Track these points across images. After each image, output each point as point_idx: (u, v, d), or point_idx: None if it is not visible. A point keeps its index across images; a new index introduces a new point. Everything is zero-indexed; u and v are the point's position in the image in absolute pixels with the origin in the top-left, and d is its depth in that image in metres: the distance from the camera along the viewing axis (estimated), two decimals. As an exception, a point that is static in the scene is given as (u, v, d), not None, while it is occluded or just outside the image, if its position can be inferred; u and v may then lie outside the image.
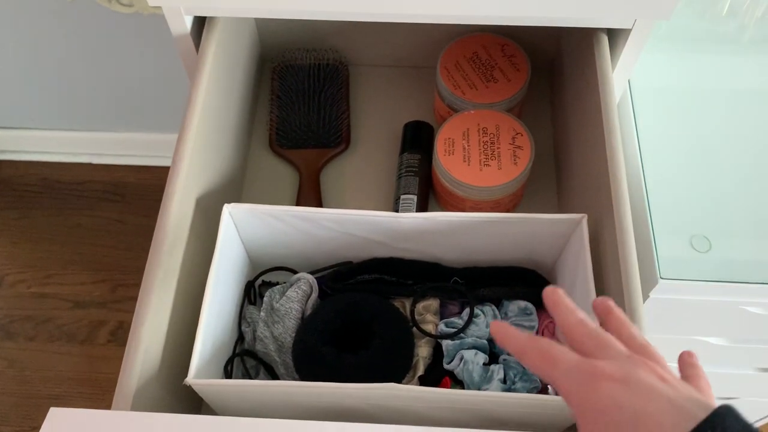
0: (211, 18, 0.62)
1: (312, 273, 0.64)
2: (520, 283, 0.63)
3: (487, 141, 0.68)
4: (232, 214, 0.59)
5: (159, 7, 0.59)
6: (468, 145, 0.68)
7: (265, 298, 0.63)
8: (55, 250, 1.50)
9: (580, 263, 0.56)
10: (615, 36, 0.63)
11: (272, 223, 0.60)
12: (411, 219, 0.58)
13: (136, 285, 1.46)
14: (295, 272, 0.66)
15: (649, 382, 0.33)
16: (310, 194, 0.73)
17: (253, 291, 0.65)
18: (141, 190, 1.57)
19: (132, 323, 0.52)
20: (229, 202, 0.69)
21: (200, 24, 0.64)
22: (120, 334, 1.42)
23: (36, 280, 1.47)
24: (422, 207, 0.70)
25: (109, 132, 1.52)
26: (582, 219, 0.57)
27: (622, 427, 0.31)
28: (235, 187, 0.72)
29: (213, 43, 0.61)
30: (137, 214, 1.54)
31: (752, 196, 0.71)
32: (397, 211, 0.70)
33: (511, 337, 0.38)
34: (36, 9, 1.21)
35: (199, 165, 0.59)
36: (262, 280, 0.66)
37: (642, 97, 0.77)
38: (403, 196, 0.70)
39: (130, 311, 1.41)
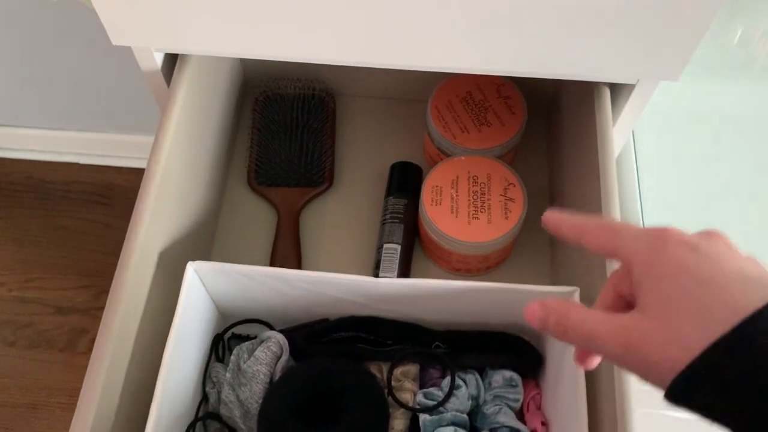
0: (183, 55, 0.58)
1: (285, 330, 0.60)
2: (506, 350, 0.59)
3: (477, 191, 0.64)
4: (197, 271, 0.55)
5: None
6: (457, 195, 0.64)
7: (232, 357, 0.59)
8: (38, 252, 1.46)
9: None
10: (618, 89, 0.58)
11: (242, 280, 0.56)
12: (391, 285, 0.54)
13: (120, 292, 1.43)
14: (267, 325, 0.62)
15: (720, 251, 0.31)
16: (288, 236, 0.69)
17: (222, 344, 0.62)
18: (129, 193, 1.52)
19: (81, 389, 0.48)
20: (201, 243, 0.66)
21: (173, 58, 0.60)
22: (101, 343, 1.38)
23: (17, 283, 1.43)
24: (406, 257, 0.66)
25: (98, 132, 1.48)
26: (574, 292, 0.52)
27: (690, 291, 0.30)
28: (209, 227, 0.68)
29: (184, 82, 0.57)
30: (125, 218, 1.48)
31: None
32: (378, 260, 0.66)
33: (565, 222, 0.37)
34: (21, 8, 1.16)
35: (164, 214, 0.55)
36: (232, 333, 0.62)
37: (645, 123, 0.73)
38: (386, 245, 0.66)
39: (113, 319, 1.39)
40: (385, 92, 0.77)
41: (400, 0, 0.48)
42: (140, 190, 0.53)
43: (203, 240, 0.66)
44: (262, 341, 0.59)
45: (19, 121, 1.47)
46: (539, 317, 0.35)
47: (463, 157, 0.66)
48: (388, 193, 0.69)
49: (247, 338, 0.62)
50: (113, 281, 0.51)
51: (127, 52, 1.25)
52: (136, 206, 0.52)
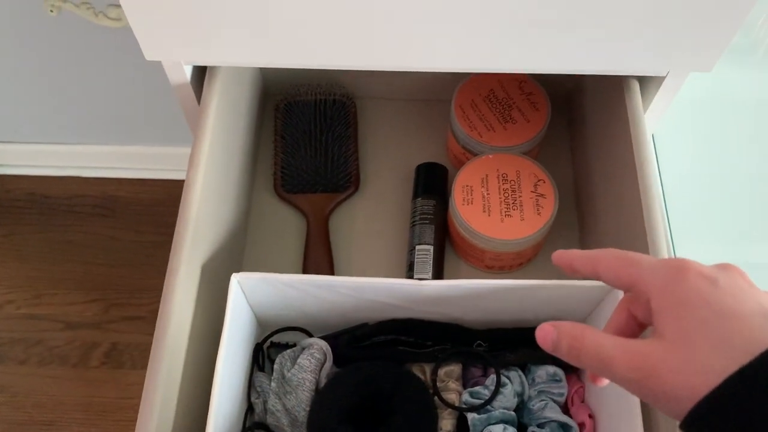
0: (213, 67, 0.58)
1: (325, 337, 0.60)
2: (547, 346, 0.59)
3: (507, 189, 0.64)
4: (240, 283, 0.55)
5: None
6: (488, 194, 0.64)
7: (275, 366, 0.59)
8: (45, 268, 1.45)
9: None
10: (647, 81, 0.59)
11: (283, 289, 0.56)
12: (434, 287, 0.54)
13: (130, 304, 1.42)
14: (306, 333, 0.62)
15: (740, 284, 0.31)
16: (318, 242, 0.69)
17: (261, 354, 0.62)
18: (134, 204, 1.52)
19: (140, 406, 0.48)
20: (233, 254, 0.66)
21: (201, 70, 0.60)
22: (114, 356, 1.38)
23: (25, 300, 1.42)
24: (439, 257, 0.66)
25: (99, 145, 1.47)
26: (613, 290, 0.53)
27: (710, 321, 0.30)
28: (240, 236, 0.68)
29: (215, 94, 0.57)
30: (130, 230, 1.49)
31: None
32: (412, 262, 0.66)
33: (576, 257, 0.38)
34: (23, 22, 1.16)
35: (204, 229, 0.55)
36: (271, 342, 0.62)
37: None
38: (418, 247, 0.66)
39: (124, 332, 1.38)
40: (404, 94, 0.77)
41: (421, 3, 0.48)
42: (182, 204, 0.53)
43: (235, 249, 0.66)
44: (303, 348, 0.59)
45: (18, 136, 1.46)
46: (552, 340, 0.36)
47: (490, 156, 0.66)
48: (416, 194, 0.70)
49: (286, 346, 0.62)
50: (162, 297, 0.51)
51: (126, 63, 1.25)
52: (179, 219, 0.52)
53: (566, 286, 0.54)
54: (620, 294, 0.52)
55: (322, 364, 0.58)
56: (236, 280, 0.54)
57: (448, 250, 0.69)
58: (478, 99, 0.69)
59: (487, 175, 0.65)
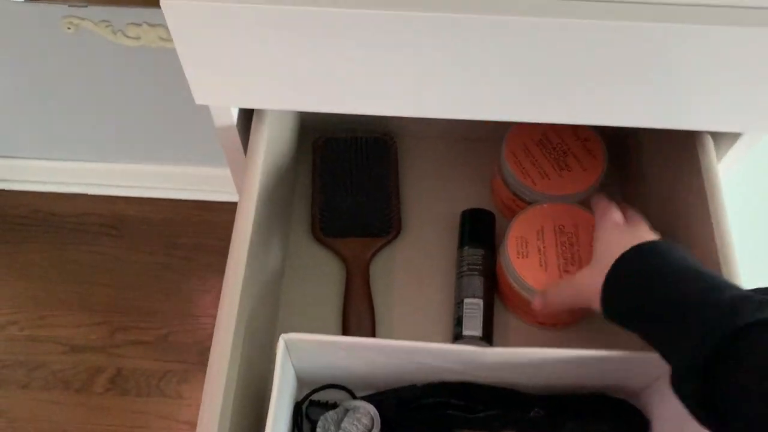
0: (260, 111, 0.54)
1: (368, 397, 0.56)
2: (609, 415, 0.56)
3: (565, 242, 0.61)
4: (287, 343, 0.51)
5: (166, 40, 0.50)
6: (544, 247, 0.60)
7: (318, 430, 0.55)
8: (49, 288, 1.41)
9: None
10: (719, 136, 0.56)
11: (332, 350, 0.52)
12: (497, 354, 0.50)
13: (137, 328, 1.38)
14: (349, 392, 0.58)
15: (640, 228, 0.55)
16: (359, 291, 0.65)
17: (299, 414, 0.58)
18: (142, 224, 1.47)
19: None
20: (270, 301, 0.62)
21: (246, 112, 0.56)
22: (119, 382, 1.33)
23: (29, 321, 1.38)
24: (488, 312, 0.63)
25: (108, 163, 1.43)
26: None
27: (609, 248, 0.52)
28: (276, 283, 0.64)
29: (263, 140, 0.53)
30: (138, 251, 1.45)
31: None
32: (460, 316, 0.62)
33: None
34: (33, 37, 1.12)
35: (249, 281, 0.51)
36: (310, 400, 0.59)
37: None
38: (467, 300, 0.63)
39: (130, 356, 1.34)
40: (446, 132, 0.74)
41: (466, 55, 0.45)
42: (230, 257, 0.49)
43: (273, 295, 0.62)
44: (347, 410, 0.55)
45: (25, 152, 1.43)
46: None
47: (545, 205, 0.63)
48: (462, 242, 0.66)
49: (325, 405, 0.58)
50: (211, 353, 0.47)
51: (139, 82, 1.22)
52: (228, 275, 0.48)
53: (630, 358, 0.51)
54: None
55: (369, 430, 0.54)
56: (284, 341, 0.50)
57: (496, 302, 0.65)
58: (531, 143, 0.66)
59: (543, 227, 0.61)
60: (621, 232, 0.53)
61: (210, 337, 0.47)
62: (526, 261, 0.60)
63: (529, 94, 0.49)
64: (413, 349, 0.51)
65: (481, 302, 0.62)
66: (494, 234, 0.67)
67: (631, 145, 0.70)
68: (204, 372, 0.45)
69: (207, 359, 0.46)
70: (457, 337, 0.62)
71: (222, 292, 0.48)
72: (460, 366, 0.53)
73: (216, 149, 1.34)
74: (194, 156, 1.40)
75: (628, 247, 0.49)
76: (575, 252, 0.60)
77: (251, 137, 0.53)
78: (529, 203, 0.64)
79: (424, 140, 0.74)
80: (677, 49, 0.44)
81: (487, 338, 0.62)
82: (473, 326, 0.61)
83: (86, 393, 1.32)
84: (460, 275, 0.65)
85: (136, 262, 1.43)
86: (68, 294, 1.40)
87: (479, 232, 0.66)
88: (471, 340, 0.61)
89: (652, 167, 0.65)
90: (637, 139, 0.69)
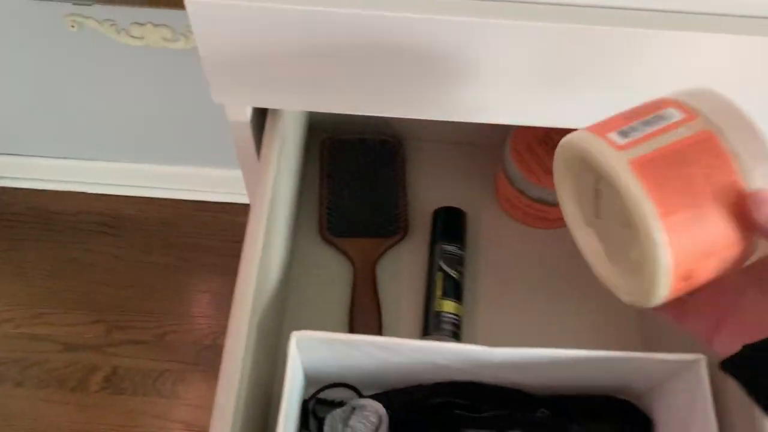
0: (274, 110, 0.55)
1: (375, 396, 0.57)
2: (614, 416, 0.56)
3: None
4: (298, 341, 0.51)
5: (170, 40, 0.51)
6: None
7: (325, 428, 0.55)
8: (46, 286, 1.40)
9: (697, 414, 0.49)
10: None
11: (342, 348, 0.53)
12: (505, 354, 0.51)
13: (133, 327, 1.37)
14: (355, 390, 0.59)
15: None
16: (366, 291, 0.66)
17: (306, 412, 0.58)
18: (140, 223, 1.47)
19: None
20: (278, 300, 0.62)
21: (261, 110, 0.56)
22: (114, 381, 1.33)
23: (24, 319, 1.37)
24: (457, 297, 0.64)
25: (107, 161, 1.43)
26: (699, 361, 0.50)
27: None
28: (284, 282, 0.64)
29: (277, 136, 0.53)
30: (136, 249, 1.44)
31: None
32: (430, 315, 0.64)
33: None
34: (34, 34, 1.12)
35: (261, 281, 0.51)
36: (317, 398, 0.59)
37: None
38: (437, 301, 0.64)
39: (126, 356, 1.33)
40: (452, 137, 0.75)
41: (474, 59, 0.46)
42: (243, 257, 0.49)
43: (280, 295, 0.63)
44: (354, 408, 0.56)
45: (23, 149, 1.42)
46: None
47: None
48: (434, 239, 0.68)
49: (332, 403, 0.59)
50: (224, 355, 0.47)
51: (140, 82, 1.22)
52: (240, 276, 0.48)
53: (634, 359, 0.52)
54: (704, 378, 0.50)
55: (377, 429, 0.55)
56: (295, 339, 0.51)
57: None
58: (534, 142, 0.67)
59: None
60: None
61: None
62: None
63: (531, 97, 0.50)
64: (422, 348, 0.51)
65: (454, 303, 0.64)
66: (465, 231, 0.68)
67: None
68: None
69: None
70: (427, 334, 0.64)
71: (234, 293, 0.49)
72: (467, 365, 0.54)
73: (215, 150, 1.35)
74: (193, 156, 1.40)
75: None
76: None
77: (265, 138, 0.54)
78: (534, 200, 0.65)
79: (431, 144, 0.75)
80: (659, 52, 0.45)
81: (455, 336, 0.63)
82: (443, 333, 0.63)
83: (81, 392, 1.31)
84: (431, 271, 0.66)
85: (133, 262, 1.43)
86: (64, 292, 1.40)
87: (451, 229, 0.67)
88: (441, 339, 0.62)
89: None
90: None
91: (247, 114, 0.54)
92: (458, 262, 0.65)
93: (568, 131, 0.66)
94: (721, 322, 0.35)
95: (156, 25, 1.07)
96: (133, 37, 1.10)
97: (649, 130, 0.32)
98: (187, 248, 1.44)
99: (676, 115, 0.33)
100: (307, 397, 0.58)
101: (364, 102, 0.50)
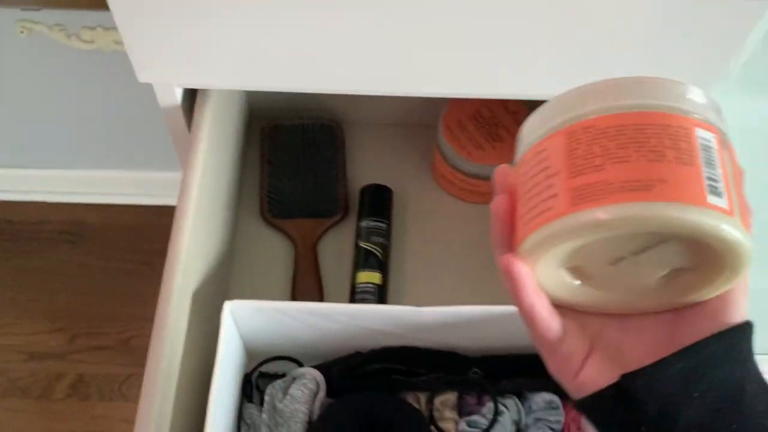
0: (204, 90, 0.57)
1: (316, 366, 0.58)
2: (543, 372, 0.58)
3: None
4: (232, 311, 0.53)
5: (121, 44, 0.53)
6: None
7: (266, 397, 0.57)
8: (8, 296, 1.40)
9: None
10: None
11: (276, 316, 0.55)
12: (431, 313, 0.53)
13: (98, 334, 1.37)
14: (296, 362, 0.60)
15: None
16: (307, 269, 0.67)
17: (250, 385, 0.60)
18: (102, 230, 1.47)
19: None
20: (220, 282, 0.64)
21: (190, 94, 0.58)
22: (80, 388, 1.33)
23: (-14, 330, 1.37)
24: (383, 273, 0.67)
25: (66, 169, 1.43)
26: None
27: None
28: (226, 263, 0.66)
29: (207, 119, 0.55)
30: (98, 257, 1.45)
31: None
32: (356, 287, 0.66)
33: None
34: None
35: (194, 256, 0.53)
36: (260, 372, 0.60)
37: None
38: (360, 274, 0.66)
39: (91, 362, 1.33)
40: (390, 119, 0.77)
41: (407, 30, 0.48)
42: (173, 231, 0.51)
43: (222, 276, 0.64)
44: (295, 378, 0.58)
45: (-19, 161, 1.42)
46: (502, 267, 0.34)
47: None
48: (361, 215, 0.70)
49: (275, 376, 0.60)
50: (154, 325, 0.49)
51: (95, 87, 1.22)
52: (170, 247, 0.50)
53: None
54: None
55: (315, 395, 0.56)
56: (229, 308, 0.52)
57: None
58: (465, 119, 0.70)
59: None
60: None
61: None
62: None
63: (460, 68, 0.52)
64: (350, 311, 0.53)
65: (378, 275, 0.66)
66: (391, 206, 0.71)
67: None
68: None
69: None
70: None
71: (165, 263, 0.50)
72: (399, 329, 0.56)
73: (174, 154, 1.36)
74: (153, 161, 1.40)
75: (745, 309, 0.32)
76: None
77: (195, 115, 0.55)
78: (467, 175, 0.67)
79: (369, 126, 0.77)
80: (585, 21, 0.47)
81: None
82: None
83: (46, 399, 1.31)
84: (357, 244, 0.68)
85: (95, 269, 1.43)
86: (27, 302, 1.39)
87: (376, 205, 0.70)
88: None
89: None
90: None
91: (177, 97, 0.56)
92: (381, 235, 0.68)
93: (496, 105, 0.69)
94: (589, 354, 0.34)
95: (106, 29, 1.08)
96: (83, 41, 1.11)
97: (719, 172, 0.29)
98: (149, 253, 1.45)
99: (709, 137, 0.30)
100: (249, 371, 0.60)
101: (288, 78, 0.52)
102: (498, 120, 0.70)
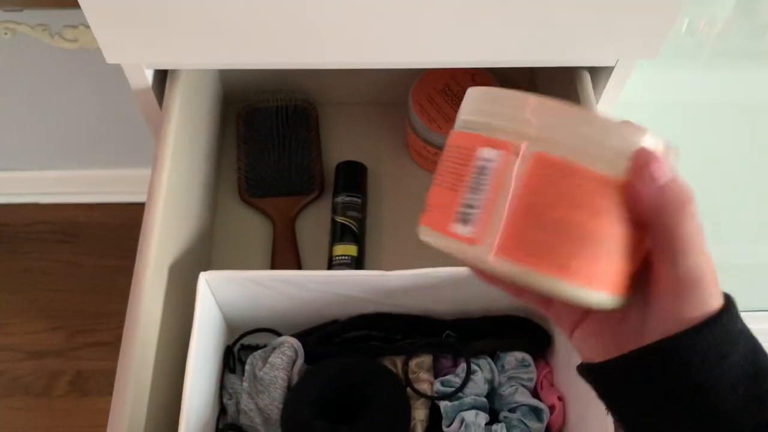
0: (174, 71, 0.58)
1: (296, 335, 0.60)
2: (515, 332, 0.60)
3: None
4: (208, 282, 0.55)
5: None
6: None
7: (246, 366, 0.59)
8: (5, 298, 1.42)
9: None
10: (597, 72, 0.61)
11: (252, 287, 0.56)
12: (400, 276, 0.55)
13: (95, 330, 1.39)
14: (276, 333, 0.62)
15: None
16: (285, 245, 0.69)
17: (232, 357, 0.61)
18: (94, 229, 1.49)
19: (110, 410, 0.48)
20: (200, 260, 0.65)
21: (162, 76, 0.60)
22: (80, 384, 1.35)
23: (-15, 331, 1.39)
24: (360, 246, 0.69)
25: (57, 170, 1.45)
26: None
27: None
28: (206, 242, 0.68)
29: (177, 98, 0.57)
30: (92, 255, 1.47)
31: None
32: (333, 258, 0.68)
33: None
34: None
35: (169, 232, 0.55)
36: (241, 344, 0.62)
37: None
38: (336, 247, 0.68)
39: (90, 359, 1.36)
40: (362, 98, 0.79)
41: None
42: (147, 205, 0.53)
43: (202, 255, 0.66)
44: (274, 348, 0.59)
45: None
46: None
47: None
48: (337, 191, 0.72)
49: (257, 348, 0.62)
50: (129, 300, 0.50)
51: (81, 86, 1.23)
52: (144, 221, 0.52)
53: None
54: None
55: (294, 362, 0.58)
56: (204, 279, 0.54)
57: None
58: (434, 93, 0.71)
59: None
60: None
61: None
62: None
63: (414, 39, 0.54)
64: (322, 278, 0.55)
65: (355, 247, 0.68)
66: (365, 181, 0.73)
67: (525, 88, 0.76)
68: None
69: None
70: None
71: (140, 237, 0.52)
72: (373, 295, 0.58)
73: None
74: (143, 158, 1.42)
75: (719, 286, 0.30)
76: None
77: (165, 95, 0.57)
78: (439, 149, 0.69)
79: (342, 106, 0.79)
80: None
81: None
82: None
83: (47, 397, 1.33)
84: (333, 219, 0.70)
85: (90, 267, 1.45)
86: (24, 302, 1.41)
87: (349, 180, 0.72)
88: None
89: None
90: (532, 83, 0.75)
91: (148, 79, 0.58)
92: (356, 210, 0.69)
93: (464, 79, 0.71)
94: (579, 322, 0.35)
95: (88, 27, 1.09)
96: (66, 40, 1.12)
97: (484, 196, 0.27)
98: (143, 249, 1.47)
99: (492, 155, 0.28)
100: (230, 344, 0.62)
101: (251, 53, 0.54)
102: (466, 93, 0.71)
